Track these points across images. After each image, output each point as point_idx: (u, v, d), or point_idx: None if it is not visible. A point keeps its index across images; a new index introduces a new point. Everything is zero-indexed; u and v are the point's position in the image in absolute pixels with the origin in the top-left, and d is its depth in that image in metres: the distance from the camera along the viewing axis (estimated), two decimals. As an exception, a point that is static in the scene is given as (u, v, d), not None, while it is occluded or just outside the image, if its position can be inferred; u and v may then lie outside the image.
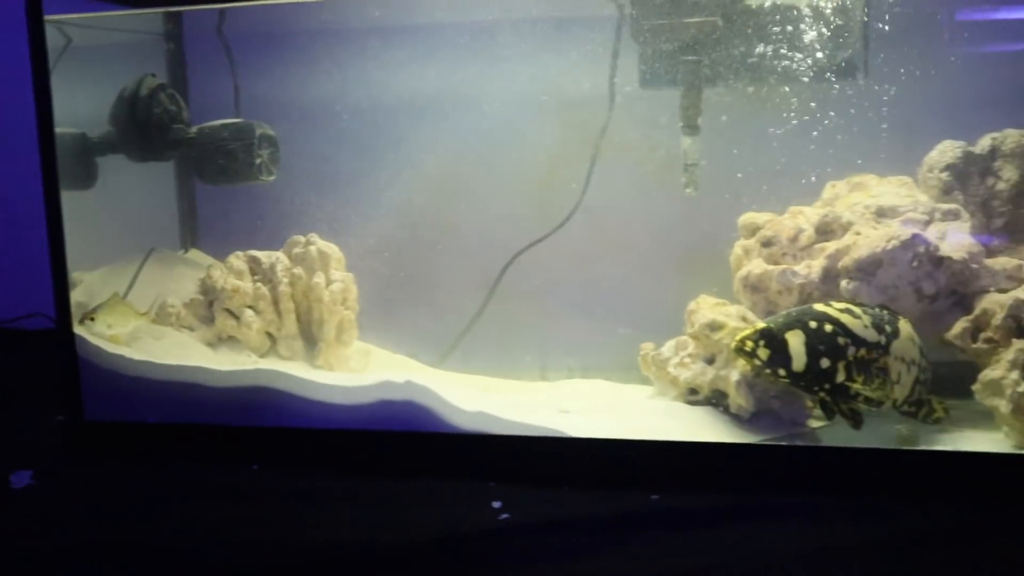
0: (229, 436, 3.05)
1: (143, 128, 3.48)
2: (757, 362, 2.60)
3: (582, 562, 2.29)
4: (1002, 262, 2.99)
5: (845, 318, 2.63)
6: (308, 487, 2.78)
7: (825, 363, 2.58)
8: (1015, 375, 2.69)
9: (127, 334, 3.27)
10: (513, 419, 2.85)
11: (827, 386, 2.62)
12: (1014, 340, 2.75)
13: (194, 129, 3.61)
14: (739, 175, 3.29)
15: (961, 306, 3.00)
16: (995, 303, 2.86)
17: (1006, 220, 3.18)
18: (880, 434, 2.87)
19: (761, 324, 2.63)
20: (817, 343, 2.57)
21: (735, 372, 2.92)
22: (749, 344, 2.59)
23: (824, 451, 2.78)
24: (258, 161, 3.51)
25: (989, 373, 2.76)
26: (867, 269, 2.97)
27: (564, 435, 2.79)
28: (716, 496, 2.57)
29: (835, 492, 2.56)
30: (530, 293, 3.78)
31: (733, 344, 2.64)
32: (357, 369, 3.51)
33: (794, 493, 2.57)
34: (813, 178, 3.25)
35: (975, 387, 2.78)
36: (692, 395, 3.09)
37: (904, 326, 2.76)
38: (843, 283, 3.01)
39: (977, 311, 2.91)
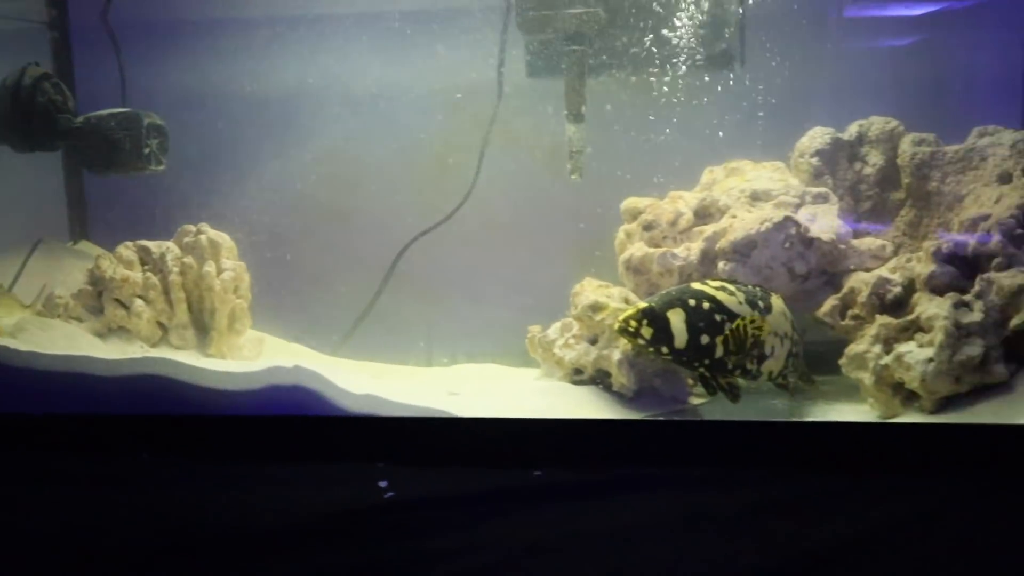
0: (118, 425, 2.99)
1: (27, 118, 3.41)
2: (640, 341, 2.63)
3: (462, 534, 2.30)
4: (867, 243, 3.09)
5: (721, 296, 2.69)
6: (196, 474, 2.74)
7: (705, 339, 2.63)
8: (877, 348, 2.80)
9: (11, 326, 3.21)
10: (401, 401, 2.86)
11: (707, 361, 2.67)
12: (877, 316, 2.86)
13: (80, 119, 3.54)
14: (622, 161, 3.38)
15: (831, 285, 3.11)
16: (861, 281, 2.97)
17: (872, 203, 3.33)
18: (756, 408, 2.96)
19: (643, 304, 2.66)
20: (696, 320, 2.61)
21: (617, 352, 2.98)
22: (632, 324, 2.61)
23: (702, 425, 2.84)
24: (146, 151, 3.47)
25: (854, 347, 2.86)
26: (742, 251, 3.06)
27: (451, 415, 2.81)
28: (597, 471, 2.56)
29: (711, 464, 2.59)
30: (423, 281, 3.80)
31: (616, 324, 2.66)
32: (250, 357, 3.48)
33: (672, 466, 2.63)
34: (676, 163, 3.36)
35: (841, 361, 2.88)
36: (577, 375, 3.13)
37: (776, 302, 2.84)
38: (720, 264, 3.09)
39: (845, 289, 3.01)
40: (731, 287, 2.75)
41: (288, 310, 3.82)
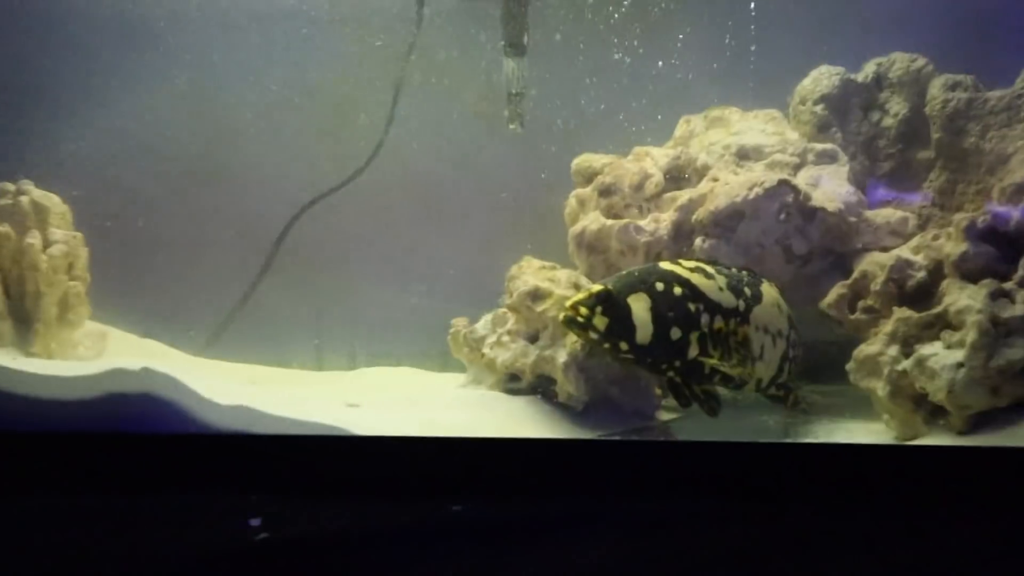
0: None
1: None
2: (593, 335, 2.54)
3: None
4: (885, 215, 3.09)
5: (697, 279, 2.64)
6: (13, 506, 2.69)
7: (676, 333, 2.57)
8: (894, 350, 2.79)
9: None
10: (282, 415, 2.81)
11: (677, 363, 2.62)
12: (895, 309, 2.85)
13: None
14: (575, 108, 3.33)
15: (839, 269, 3.09)
16: (876, 264, 2.95)
17: (894, 164, 3.34)
18: (742, 426, 2.95)
19: (597, 287, 2.57)
20: (665, 309, 2.56)
21: (563, 352, 2.95)
22: (583, 312, 2.52)
23: (671, 447, 2.81)
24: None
25: (864, 349, 2.85)
26: (726, 223, 3.03)
27: (346, 433, 2.77)
28: (531, 506, 2.49)
29: (681, 497, 2.58)
30: (318, 261, 3.75)
31: (563, 313, 2.56)
32: (88, 357, 3.41)
33: (630, 500, 2.60)
34: (660, 117, 3.33)
35: (849, 366, 2.87)
36: (513, 382, 3.12)
37: (768, 290, 2.81)
38: (698, 241, 3.07)
39: (855, 274, 3.00)
40: (710, 269, 2.71)
41: (141, 296, 3.75)
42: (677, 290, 2.59)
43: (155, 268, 3.79)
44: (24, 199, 3.39)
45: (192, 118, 3.71)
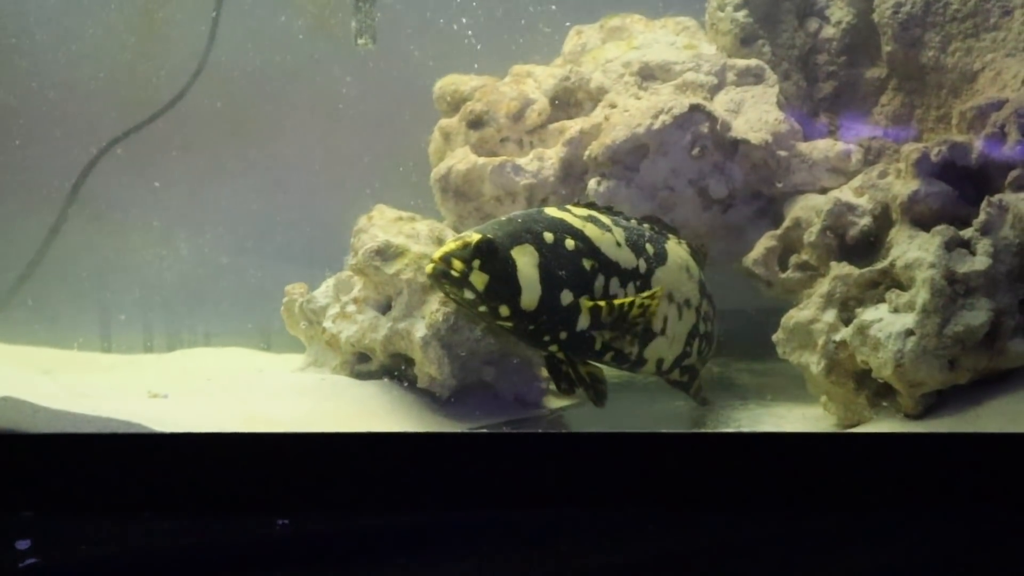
0: None
1: None
2: (469, 294, 2.46)
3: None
4: (823, 147, 3.05)
5: (591, 230, 2.59)
6: None
7: (567, 297, 2.52)
8: (830, 316, 2.74)
9: None
10: (62, 408, 2.72)
11: (563, 335, 2.56)
12: (833, 264, 2.80)
13: None
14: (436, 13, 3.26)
15: (768, 216, 3.07)
16: (811, 209, 2.91)
17: (836, 84, 3.30)
18: (651, 412, 2.96)
19: (474, 235, 2.47)
20: (556, 266, 2.50)
21: (421, 324, 2.87)
22: (457, 265, 2.43)
23: (563, 441, 2.73)
24: None
25: (794, 315, 2.80)
26: (626, 161, 2.98)
27: (144, 431, 2.69)
28: (382, 518, 2.50)
29: (574, 502, 2.52)
30: (121, 216, 3.69)
31: (430, 265, 2.46)
32: None
33: (502, 508, 2.54)
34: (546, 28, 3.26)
35: (776, 336, 2.83)
36: (362, 363, 3.07)
37: (675, 249, 2.76)
38: (592, 183, 3.02)
39: (787, 222, 2.96)
40: (605, 219, 2.66)
41: None
42: (569, 243, 2.54)
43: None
44: None
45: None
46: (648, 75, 3.12)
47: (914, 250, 2.69)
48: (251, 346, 3.47)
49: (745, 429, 2.78)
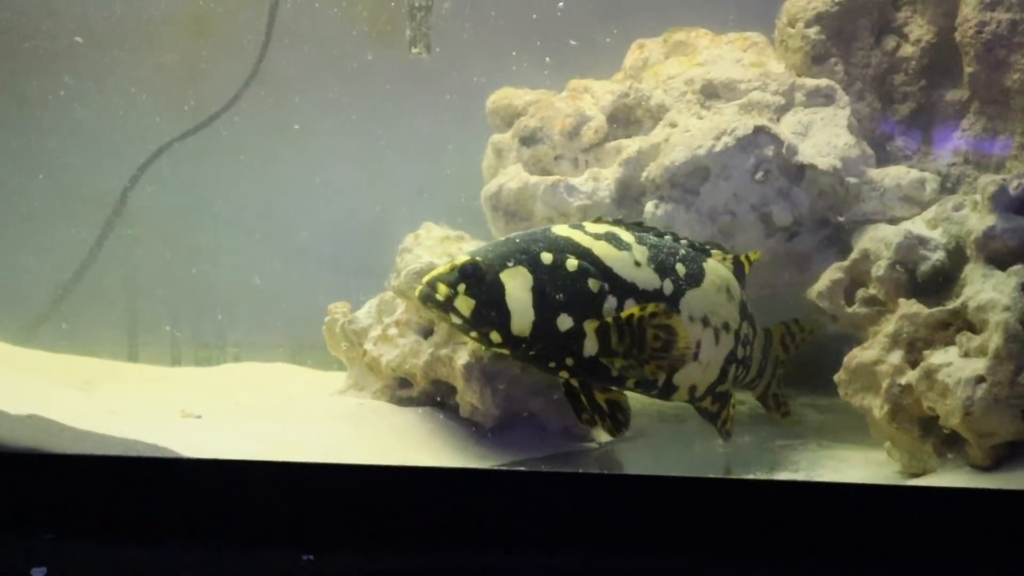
0: None
1: None
2: (456, 319, 2.44)
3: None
4: (895, 175, 2.90)
5: (602, 248, 2.49)
6: None
7: (565, 322, 2.43)
8: (896, 358, 2.59)
9: None
10: (87, 429, 2.64)
11: (569, 361, 2.48)
12: (902, 301, 2.65)
13: None
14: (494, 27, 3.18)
15: (836, 245, 2.93)
16: (880, 241, 2.76)
17: (913, 107, 3.13)
18: (707, 452, 2.81)
19: (463, 257, 2.45)
20: (552, 288, 2.43)
21: (463, 351, 2.77)
22: (442, 289, 2.41)
23: (611, 482, 2.62)
24: None
25: (858, 355, 2.66)
26: (685, 183, 2.87)
27: (168, 455, 2.59)
28: (415, 557, 2.39)
29: (621, 547, 2.40)
30: (176, 223, 3.63)
31: (417, 290, 2.45)
32: None
33: (553, 550, 2.42)
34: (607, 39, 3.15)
35: (838, 376, 2.70)
36: (403, 388, 2.97)
37: (713, 268, 2.63)
38: (649, 205, 2.90)
39: (855, 254, 2.81)
40: (625, 235, 2.55)
41: None
42: (572, 264, 2.46)
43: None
44: None
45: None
46: (711, 93, 3.01)
47: (988, 291, 2.54)
48: (296, 361, 3.37)
49: (801, 476, 2.64)
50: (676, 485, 2.43)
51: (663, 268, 2.52)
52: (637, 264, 2.50)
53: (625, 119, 3.05)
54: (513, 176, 3.01)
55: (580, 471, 2.67)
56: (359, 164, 3.51)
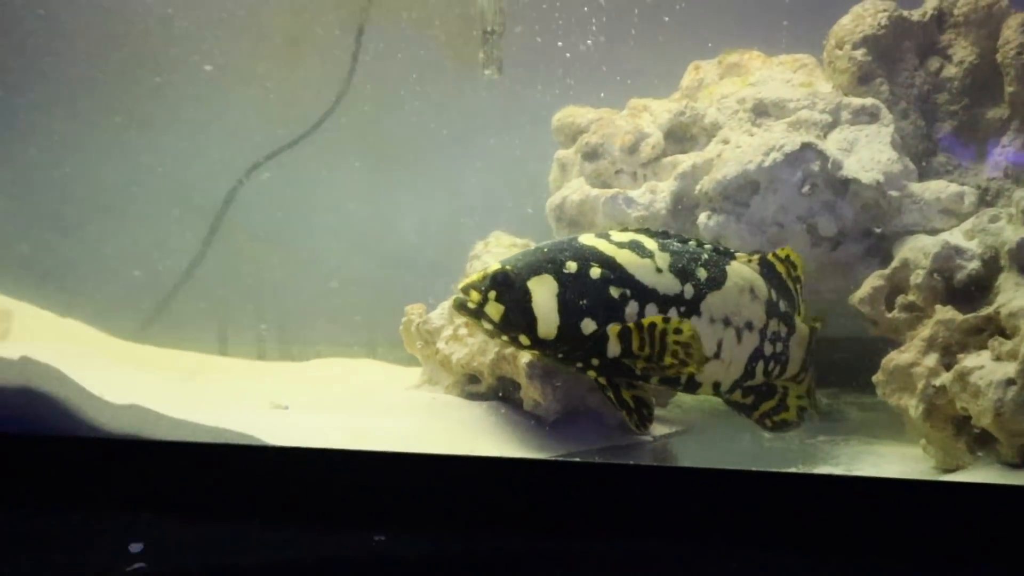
0: None
1: None
2: (487, 325, 2.44)
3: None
4: (936, 189, 2.84)
5: (625, 257, 2.45)
6: None
7: (589, 326, 2.41)
8: (931, 360, 2.53)
9: None
10: (183, 418, 2.66)
11: (595, 361, 2.46)
12: (938, 307, 2.60)
13: None
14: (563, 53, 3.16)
15: (878, 255, 2.87)
16: (919, 251, 2.70)
17: (956, 124, 3.06)
18: (757, 446, 2.76)
19: (495, 266, 2.45)
20: (576, 295, 2.41)
21: (527, 352, 2.76)
22: (474, 296, 2.42)
23: (663, 473, 2.60)
24: None
25: (895, 357, 2.60)
26: (736, 196, 2.83)
27: (256, 443, 2.60)
28: (478, 541, 2.36)
29: (671, 534, 2.36)
30: (271, 231, 3.66)
31: (453, 297, 2.46)
32: (-11, 338, 3.31)
33: (597, 538, 2.40)
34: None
35: (877, 378, 2.64)
36: (472, 384, 2.95)
37: (737, 271, 2.57)
38: (702, 217, 2.86)
39: (895, 263, 2.75)
40: (649, 243, 2.51)
41: (69, 271, 3.69)
42: (595, 272, 2.44)
43: (85, 240, 3.72)
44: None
45: (118, 71, 3.61)
46: (762, 112, 2.95)
47: (1020, 299, 2.49)
48: (376, 358, 3.36)
49: (841, 470, 2.58)
50: (722, 477, 2.41)
51: (684, 273, 2.48)
52: (659, 270, 2.46)
53: (681, 136, 3.02)
54: (576, 189, 2.98)
55: (632, 462, 2.65)
56: (436, 177, 3.50)
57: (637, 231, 2.53)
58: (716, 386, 2.57)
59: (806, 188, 2.81)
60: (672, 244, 2.52)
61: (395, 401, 2.98)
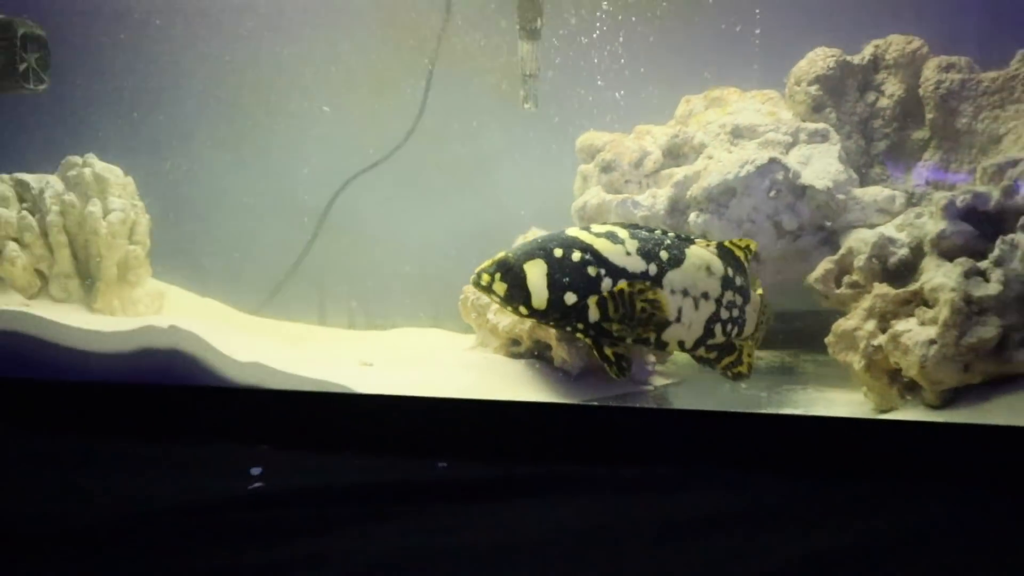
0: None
1: None
2: (495, 298, 2.47)
3: (317, 540, 2.06)
4: (873, 193, 2.77)
5: (601, 244, 2.43)
6: (49, 449, 2.56)
7: (571, 298, 2.40)
8: (870, 325, 2.48)
9: None
10: (292, 372, 2.63)
11: (580, 325, 2.45)
12: (876, 284, 2.54)
13: (-50, 29, 3.30)
14: (588, 88, 3.10)
15: (829, 244, 2.81)
16: (861, 241, 2.63)
17: (889, 144, 2.99)
18: (734, 396, 2.70)
19: (500, 254, 2.47)
20: (561, 275, 2.40)
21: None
22: (485, 277, 2.44)
23: (647, 415, 2.53)
24: (23, 66, 3.21)
25: (843, 323, 2.55)
26: (718, 199, 2.76)
27: (348, 391, 2.57)
28: (510, 466, 2.35)
29: (655, 462, 2.35)
30: (363, 228, 3.59)
31: (472, 277, 2.48)
32: (146, 312, 3.26)
33: (604, 463, 2.36)
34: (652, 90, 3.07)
35: (828, 339, 2.59)
36: (515, 346, 2.87)
37: (695, 252, 2.52)
38: (692, 216, 2.80)
39: (842, 250, 2.69)
40: (622, 233, 2.48)
41: (209, 260, 3.67)
42: (576, 256, 2.42)
43: (220, 237, 3.70)
44: (87, 171, 3.24)
45: (250, 104, 3.56)
46: (738, 134, 2.89)
47: (940, 276, 2.42)
48: (441, 327, 3.31)
49: (800, 411, 2.54)
50: (708, 417, 2.39)
51: (649, 255, 2.45)
52: (628, 253, 2.44)
53: (676, 153, 2.95)
54: (594, 195, 2.93)
55: (638, 406, 2.60)
56: (487, 187, 3.45)
57: (613, 224, 2.52)
58: (681, 344, 2.53)
59: (772, 193, 2.76)
60: (640, 233, 2.49)
61: (455, 360, 2.92)
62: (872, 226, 2.73)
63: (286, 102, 3.58)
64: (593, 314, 2.41)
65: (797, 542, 1.91)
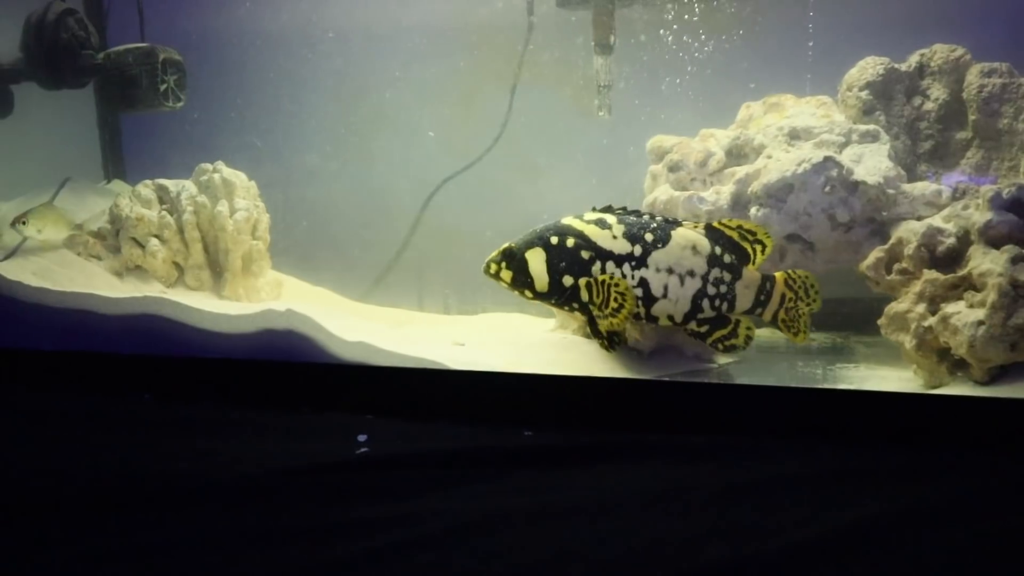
0: (121, 365, 2.81)
1: (50, 54, 3.18)
2: (504, 284, 2.46)
3: (415, 500, 2.00)
4: (920, 187, 2.60)
5: (591, 230, 2.39)
6: (183, 416, 2.54)
7: (567, 280, 2.39)
8: (921, 308, 2.33)
9: (61, 241, 3.13)
10: (392, 350, 2.57)
11: (575, 304, 2.43)
12: (925, 271, 2.39)
13: (101, 55, 3.31)
14: (657, 97, 2.98)
15: (879, 235, 2.65)
16: (910, 231, 2.47)
17: (934, 143, 2.82)
18: (791, 372, 2.56)
19: (505, 244, 2.46)
20: (558, 260, 2.38)
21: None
22: (493, 266, 2.45)
23: (710, 389, 2.43)
24: (163, 87, 3.21)
25: (895, 306, 2.40)
26: (777, 195, 2.62)
27: (442, 367, 2.50)
28: (588, 435, 2.27)
29: (719, 432, 2.24)
30: (454, 225, 3.51)
31: (484, 266, 2.48)
32: (267, 299, 3.24)
33: (673, 433, 2.26)
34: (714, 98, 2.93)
35: (880, 321, 2.44)
36: (591, 328, 2.77)
37: (682, 233, 2.42)
38: (753, 210, 2.66)
39: (892, 240, 2.53)
40: (610, 219, 2.42)
41: (322, 253, 3.63)
42: (570, 242, 2.39)
43: (331, 234, 3.69)
44: (217, 176, 3.24)
45: (355, 119, 3.53)
46: (795, 136, 2.75)
47: (987, 263, 2.28)
48: (524, 312, 3.24)
49: (854, 387, 2.39)
50: (768, 391, 2.31)
51: (634, 238, 2.40)
52: (615, 237, 2.39)
53: (737, 154, 2.82)
54: (663, 192, 2.81)
55: (704, 381, 2.49)
56: (568, 189, 3.36)
57: (604, 210, 2.47)
58: (671, 318, 2.46)
59: (827, 188, 2.62)
60: (628, 218, 2.43)
61: (537, 340, 2.84)
62: (920, 218, 2.57)
63: (393, 116, 3.53)
64: (583, 296, 2.39)
65: (851, 508, 1.81)
